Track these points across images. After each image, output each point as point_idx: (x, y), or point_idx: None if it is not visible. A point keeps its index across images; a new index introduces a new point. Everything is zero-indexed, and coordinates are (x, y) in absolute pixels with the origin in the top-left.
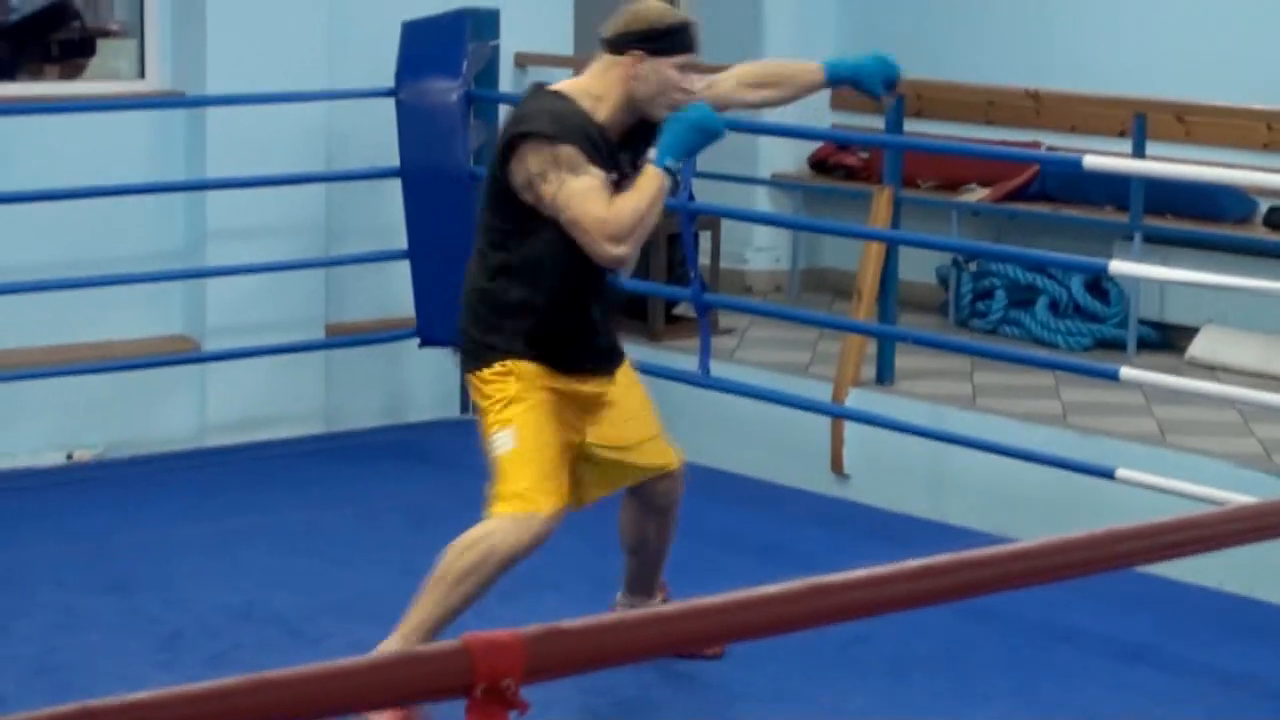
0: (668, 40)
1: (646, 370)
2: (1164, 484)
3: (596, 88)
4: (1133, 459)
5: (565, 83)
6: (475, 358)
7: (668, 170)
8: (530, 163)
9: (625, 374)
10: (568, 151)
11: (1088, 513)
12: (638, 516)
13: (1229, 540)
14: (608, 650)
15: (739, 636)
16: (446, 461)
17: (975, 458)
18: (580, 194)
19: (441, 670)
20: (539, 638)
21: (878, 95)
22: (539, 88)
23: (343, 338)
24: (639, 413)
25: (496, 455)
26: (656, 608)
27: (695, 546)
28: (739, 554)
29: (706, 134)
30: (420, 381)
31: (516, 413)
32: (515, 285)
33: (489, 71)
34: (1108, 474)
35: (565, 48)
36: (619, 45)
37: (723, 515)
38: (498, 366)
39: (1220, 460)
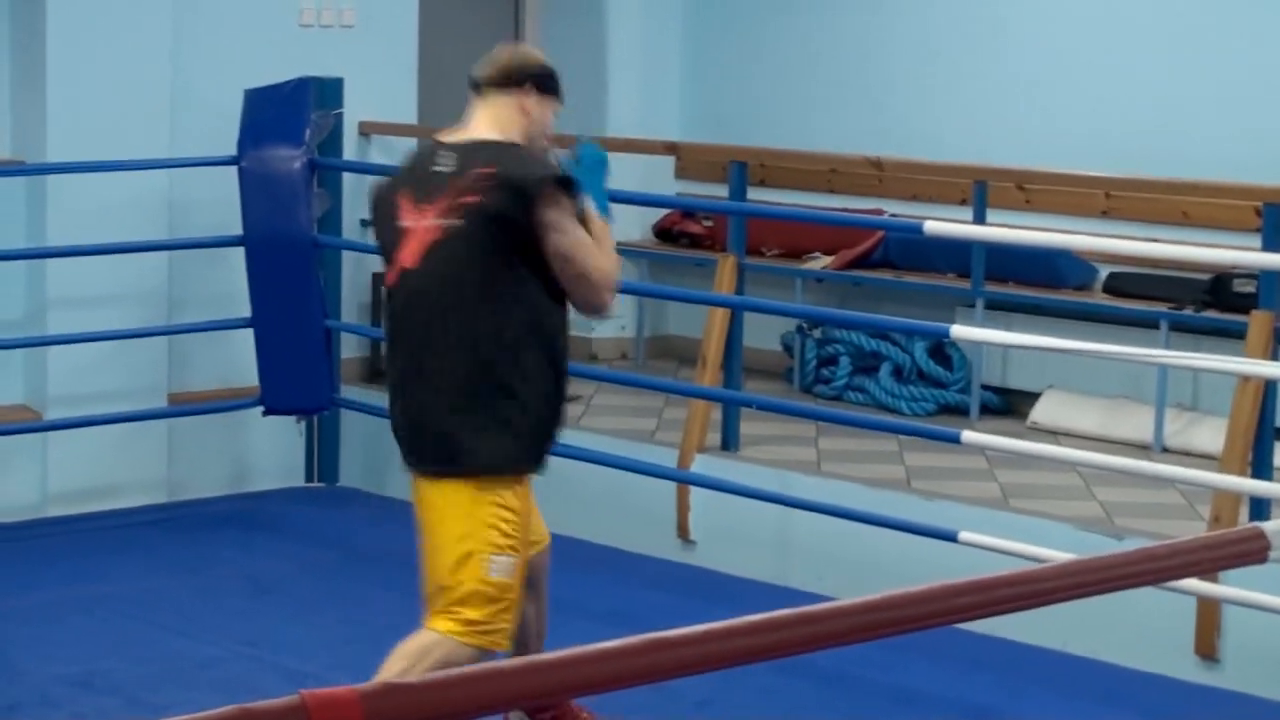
0: (552, 81)
1: None
2: (1006, 546)
3: (506, 127)
4: (976, 522)
5: (475, 132)
6: (476, 462)
7: (610, 218)
8: (549, 211)
9: None
10: (572, 202)
11: (931, 576)
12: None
13: (1064, 595)
14: (446, 706)
15: (578, 692)
16: (290, 530)
17: (820, 522)
18: (587, 246)
19: None
20: (376, 694)
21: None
22: (481, 145)
23: (185, 406)
24: None
25: (489, 578)
26: (496, 663)
27: None
28: (585, 619)
29: (607, 169)
30: (263, 450)
31: (520, 545)
32: (522, 357)
33: (332, 140)
34: (951, 537)
35: (409, 117)
36: (515, 79)
37: (569, 581)
38: (508, 483)
39: (1062, 523)
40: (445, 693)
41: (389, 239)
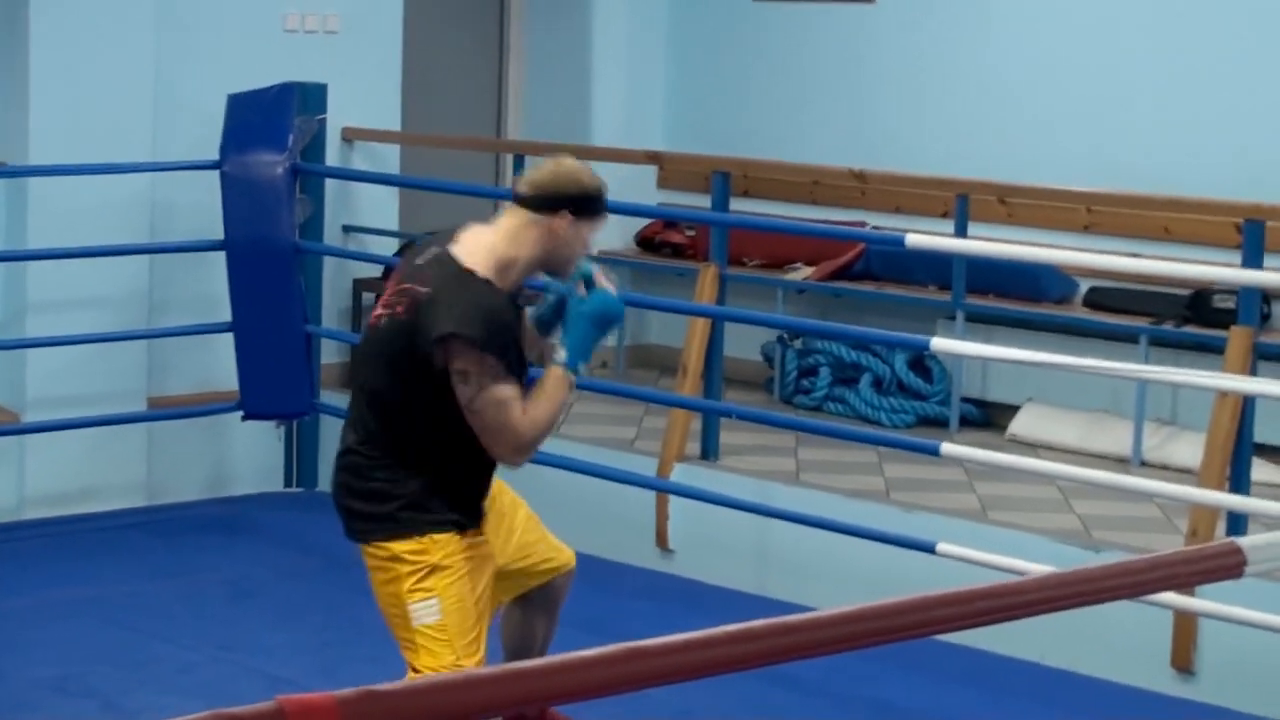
0: (595, 205)
1: None
2: (984, 558)
3: (509, 250)
4: (954, 534)
5: (469, 245)
6: (382, 527)
7: (575, 371)
8: (455, 361)
9: (498, 487)
10: (492, 361)
11: (910, 587)
12: (526, 616)
13: (1042, 607)
14: (424, 713)
15: (557, 700)
16: (269, 535)
17: (799, 532)
18: (496, 403)
19: None
20: (354, 700)
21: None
22: (447, 262)
23: (165, 410)
24: (528, 520)
25: (417, 626)
26: (475, 670)
27: None
28: (563, 628)
29: (610, 327)
30: (243, 454)
31: (440, 584)
32: (424, 454)
33: (315, 145)
34: (929, 549)
35: (392, 123)
36: (548, 205)
37: None
38: (413, 542)
39: (1040, 535)
40: (423, 699)
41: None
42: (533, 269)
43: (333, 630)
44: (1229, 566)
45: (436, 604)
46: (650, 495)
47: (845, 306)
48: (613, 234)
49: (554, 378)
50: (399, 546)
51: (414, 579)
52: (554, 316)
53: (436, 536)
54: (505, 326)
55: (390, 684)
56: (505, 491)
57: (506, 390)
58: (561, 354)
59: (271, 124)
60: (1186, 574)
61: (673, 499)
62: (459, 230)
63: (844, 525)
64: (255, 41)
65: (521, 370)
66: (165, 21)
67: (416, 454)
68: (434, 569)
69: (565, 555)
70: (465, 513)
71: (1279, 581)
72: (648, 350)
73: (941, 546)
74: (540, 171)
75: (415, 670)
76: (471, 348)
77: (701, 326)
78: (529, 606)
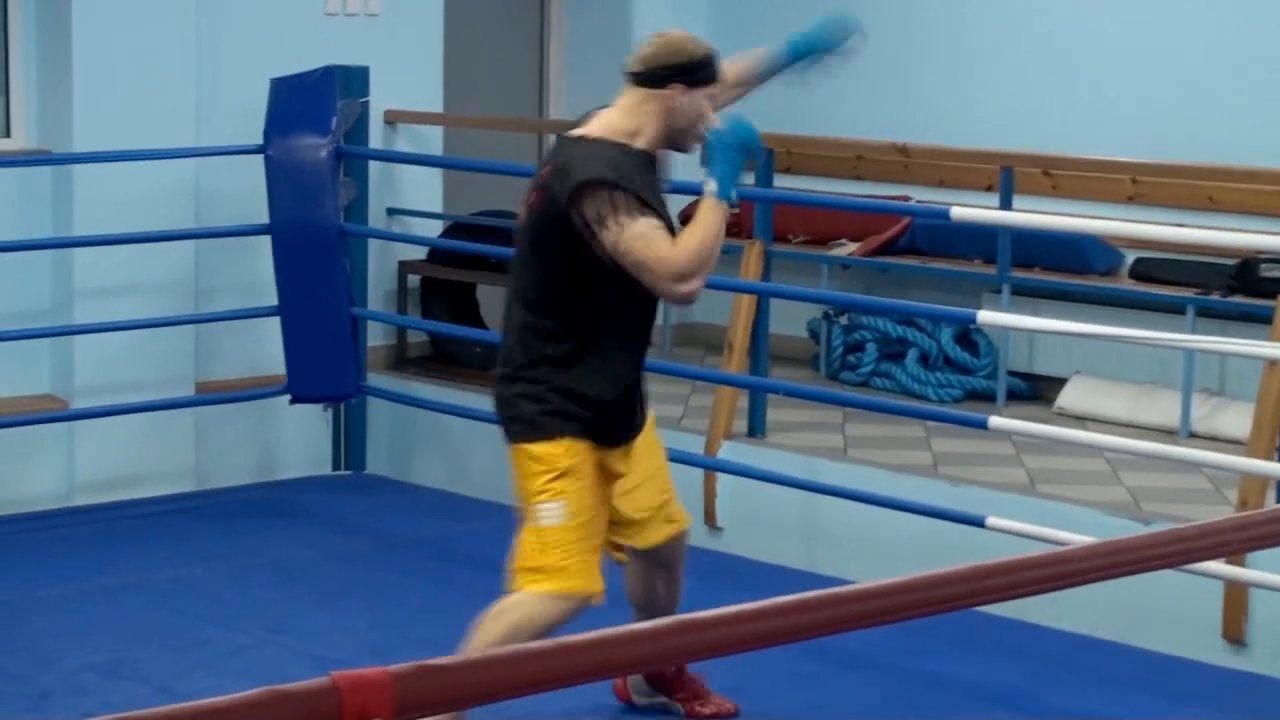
0: (704, 72)
1: None
2: (1034, 531)
3: (629, 124)
4: (1003, 508)
5: (592, 125)
6: (530, 429)
7: (728, 199)
8: (588, 209)
9: (648, 430)
10: (624, 196)
11: (959, 561)
12: (646, 573)
13: (1091, 576)
14: (480, 687)
15: (612, 673)
16: (317, 519)
17: (847, 508)
18: (642, 236)
19: (310, 708)
20: (408, 675)
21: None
22: (569, 137)
23: (213, 395)
24: (657, 474)
25: (540, 526)
26: (528, 645)
27: None
28: (617, 609)
29: (751, 152)
30: (291, 439)
31: (569, 487)
32: (573, 349)
33: (358, 128)
34: (978, 522)
35: (435, 105)
36: (658, 79)
37: None
38: (553, 444)
39: (1089, 508)
40: (478, 674)
41: None
42: (656, 143)
43: (382, 611)
44: (1278, 534)
45: (563, 505)
46: (698, 473)
47: (890, 281)
48: None
49: (707, 207)
50: (536, 447)
51: (544, 478)
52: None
53: (574, 442)
54: (636, 173)
55: (444, 659)
56: (653, 440)
57: (649, 223)
58: (712, 184)
59: (314, 108)
60: (1237, 541)
61: (720, 477)
62: (584, 118)
63: (892, 500)
64: (297, 25)
65: (668, 228)
66: (206, 7)
67: (563, 354)
68: (565, 473)
69: (683, 518)
70: (608, 422)
71: None
72: (694, 328)
73: (991, 520)
74: (647, 46)
75: (527, 571)
76: (601, 188)
77: (747, 304)
78: (647, 564)
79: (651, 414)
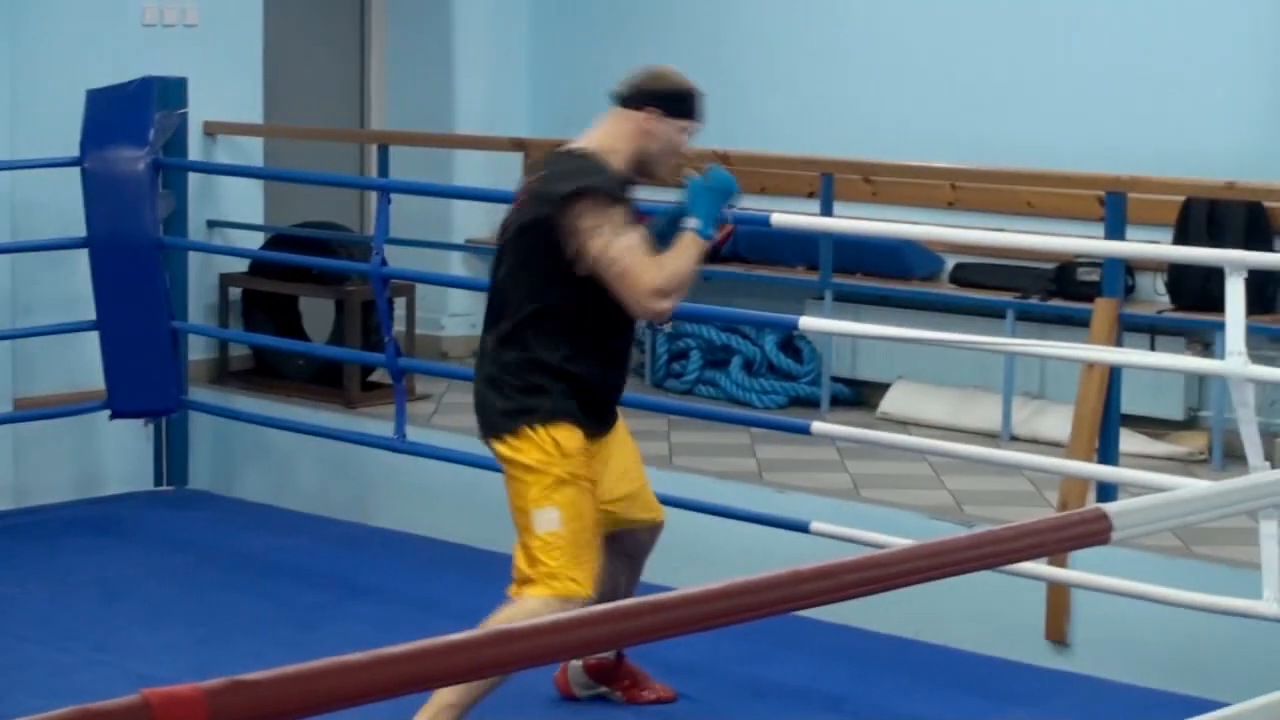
0: (680, 104)
1: (344, 437)
2: (858, 536)
3: (609, 141)
4: (827, 513)
5: (582, 140)
6: (512, 419)
7: (708, 239)
8: (585, 218)
9: (620, 425)
10: (620, 211)
11: (784, 567)
12: (612, 564)
13: (911, 578)
14: (295, 701)
15: (431, 684)
16: (140, 535)
17: (672, 516)
18: (630, 248)
19: None
20: (221, 690)
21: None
22: (563, 151)
23: (31, 411)
24: (633, 466)
25: (538, 533)
26: (345, 657)
27: (398, 610)
28: (442, 617)
29: (731, 198)
30: (112, 454)
31: (566, 495)
32: (559, 340)
33: (177, 140)
34: (802, 528)
35: (255, 116)
36: (635, 101)
37: (424, 580)
38: (541, 433)
39: (912, 512)
40: (292, 687)
41: None
42: (631, 163)
43: (207, 627)
44: (1096, 533)
45: (559, 513)
46: None
47: (714, 289)
48: (480, 222)
49: (687, 239)
50: (523, 440)
51: (542, 483)
52: (670, 227)
53: (562, 430)
54: (624, 188)
55: (257, 674)
56: (623, 430)
57: (634, 237)
58: (693, 222)
59: (132, 119)
60: (1053, 541)
61: None
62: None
63: (717, 507)
64: (114, 36)
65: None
66: (20, 17)
67: (559, 343)
68: (562, 481)
69: (654, 510)
70: (594, 410)
71: (1149, 550)
72: None
73: (815, 525)
74: (634, 74)
75: (528, 577)
76: (599, 199)
77: None
78: (613, 552)
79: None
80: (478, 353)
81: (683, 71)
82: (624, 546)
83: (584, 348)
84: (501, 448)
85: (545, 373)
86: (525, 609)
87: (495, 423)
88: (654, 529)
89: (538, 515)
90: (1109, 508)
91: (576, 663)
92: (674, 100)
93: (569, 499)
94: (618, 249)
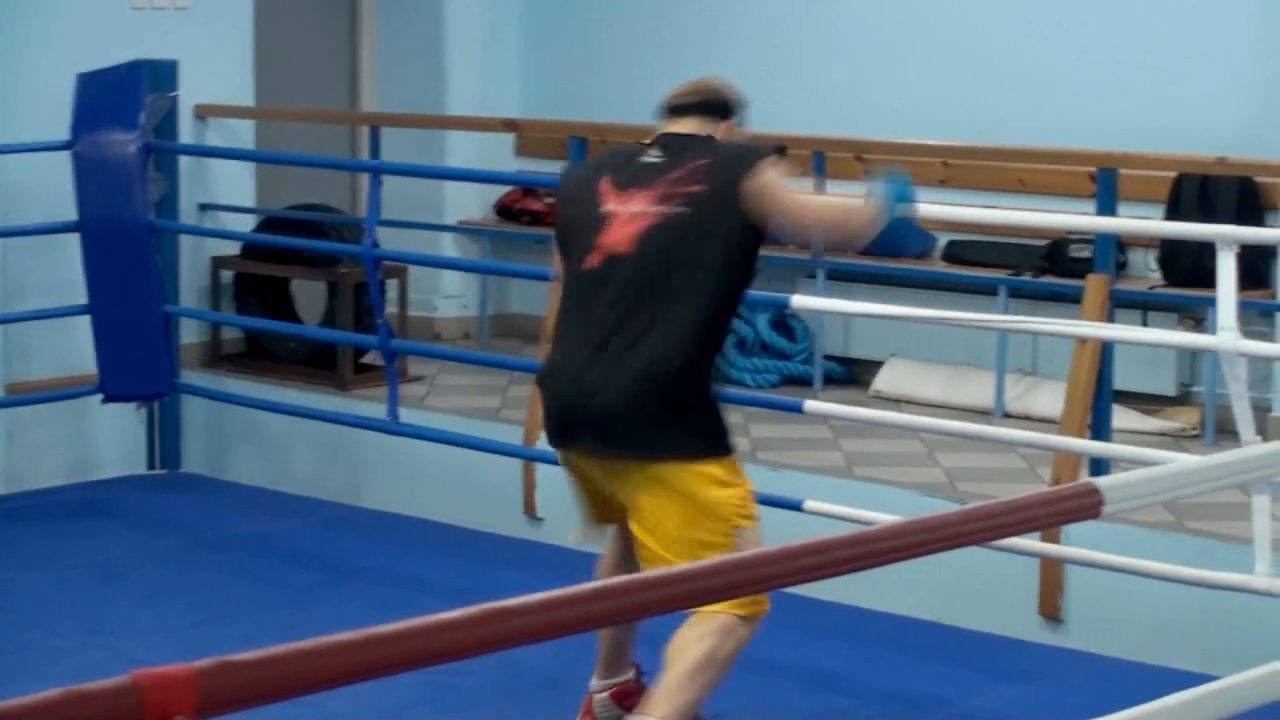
0: (745, 113)
1: (337, 420)
2: (851, 514)
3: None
4: (820, 491)
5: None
6: (711, 445)
7: (895, 214)
8: (771, 174)
9: None
10: (788, 166)
11: (778, 544)
12: (621, 557)
13: (903, 553)
14: (284, 682)
15: (422, 663)
16: (134, 519)
17: None
18: (807, 198)
19: (111, 708)
20: (211, 671)
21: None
22: (700, 136)
23: (23, 396)
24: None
25: (742, 550)
26: (335, 636)
27: (391, 592)
28: (434, 598)
29: (910, 207)
30: (105, 438)
31: (756, 513)
32: (719, 351)
33: (168, 123)
34: (796, 506)
35: (246, 99)
36: (721, 110)
37: (417, 561)
38: (733, 457)
39: (906, 489)
40: (282, 667)
41: (586, 224)
42: None
43: (202, 611)
44: (1087, 507)
45: (756, 532)
46: (517, 464)
47: None
48: (472, 203)
49: (872, 200)
50: (723, 464)
51: (743, 503)
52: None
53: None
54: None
55: (246, 654)
56: None
57: (805, 195)
58: (880, 191)
59: (122, 102)
60: (1044, 516)
61: (540, 467)
62: (644, 142)
63: None
64: (104, 19)
65: None
66: (9, 1)
67: (715, 363)
68: (750, 498)
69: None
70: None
71: (1142, 526)
72: (510, 319)
73: (809, 504)
74: (701, 83)
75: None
76: (778, 158)
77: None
78: (624, 553)
79: None
80: (617, 342)
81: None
82: (630, 552)
83: (725, 353)
84: (700, 466)
85: (715, 386)
86: (731, 623)
87: (684, 449)
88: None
89: (744, 534)
90: (1099, 482)
91: (602, 695)
92: (741, 110)
93: (757, 516)
94: (806, 199)
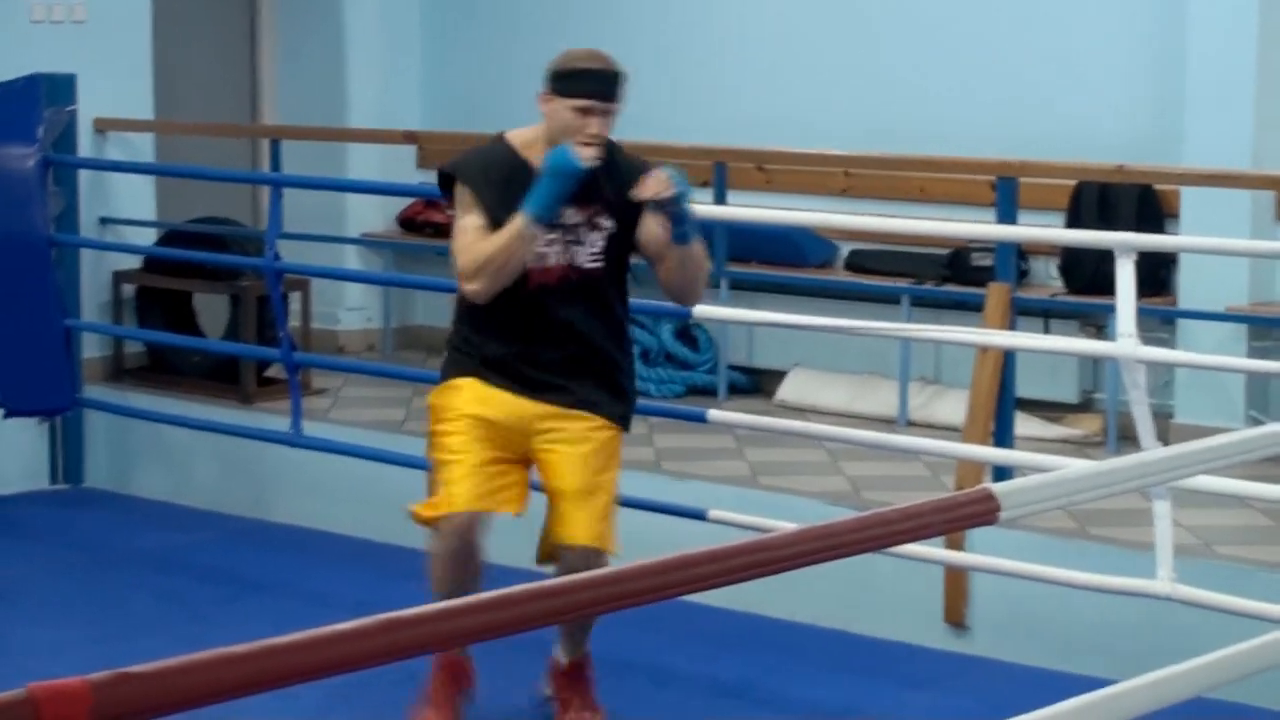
0: (565, 82)
1: (240, 433)
2: (755, 523)
3: (536, 128)
4: (725, 500)
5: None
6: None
7: (536, 219)
8: (449, 200)
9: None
10: (463, 191)
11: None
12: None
13: (800, 560)
14: (180, 694)
15: (318, 674)
16: (35, 534)
17: None
18: (459, 231)
19: None
20: (107, 684)
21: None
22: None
23: None
24: (571, 478)
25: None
26: (231, 648)
27: (295, 604)
28: (336, 611)
29: (565, 177)
30: (6, 453)
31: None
32: (462, 321)
33: (66, 137)
34: (700, 516)
35: (145, 112)
36: (543, 85)
37: (319, 574)
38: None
39: (810, 498)
40: (178, 679)
41: None
42: (548, 144)
43: (104, 626)
44: (983, 513)
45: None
46: (421, 475)
47: None
48: (374, 215)
49: (513, 222)
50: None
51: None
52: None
53: (459, 380)
54: (483, 169)
55: (142, 666)
56: (584, 442)
57: (470, 221)
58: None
59: (19, 116)
60: (941, 522)
61: None
62: None
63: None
64: (1, 33)
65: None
66: None
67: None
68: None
69: (570, 532)
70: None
71: (1045, 533)
72: (414, 331)
73: (713, 513)
74: None
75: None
76: (451, 181)
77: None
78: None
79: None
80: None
81: (598, 51)
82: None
83: (480, 323)
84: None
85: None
86: None
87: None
88: (568, 550)
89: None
90: (996, 488)
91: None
92: (559, 79)
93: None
94: (454, 233)
